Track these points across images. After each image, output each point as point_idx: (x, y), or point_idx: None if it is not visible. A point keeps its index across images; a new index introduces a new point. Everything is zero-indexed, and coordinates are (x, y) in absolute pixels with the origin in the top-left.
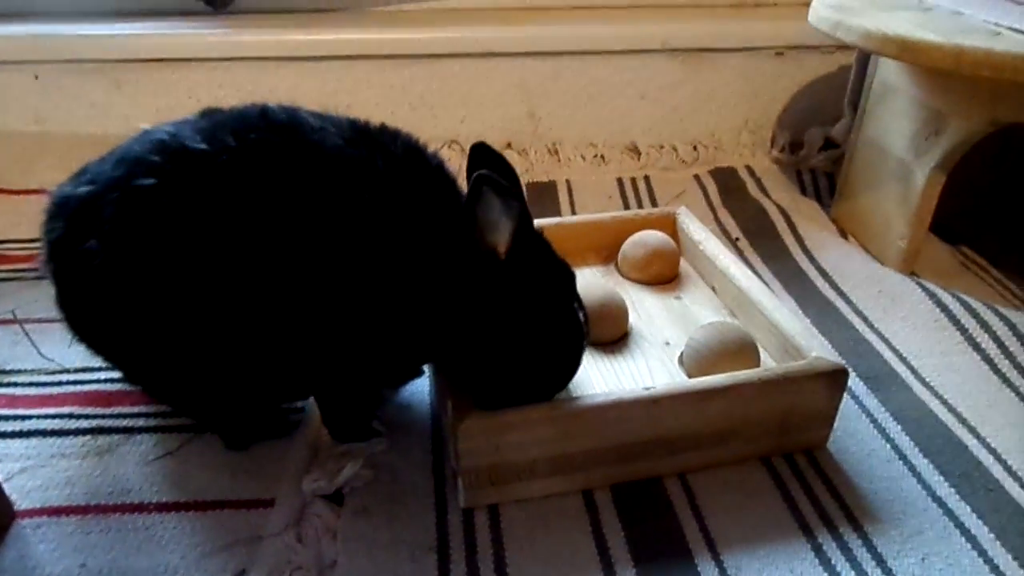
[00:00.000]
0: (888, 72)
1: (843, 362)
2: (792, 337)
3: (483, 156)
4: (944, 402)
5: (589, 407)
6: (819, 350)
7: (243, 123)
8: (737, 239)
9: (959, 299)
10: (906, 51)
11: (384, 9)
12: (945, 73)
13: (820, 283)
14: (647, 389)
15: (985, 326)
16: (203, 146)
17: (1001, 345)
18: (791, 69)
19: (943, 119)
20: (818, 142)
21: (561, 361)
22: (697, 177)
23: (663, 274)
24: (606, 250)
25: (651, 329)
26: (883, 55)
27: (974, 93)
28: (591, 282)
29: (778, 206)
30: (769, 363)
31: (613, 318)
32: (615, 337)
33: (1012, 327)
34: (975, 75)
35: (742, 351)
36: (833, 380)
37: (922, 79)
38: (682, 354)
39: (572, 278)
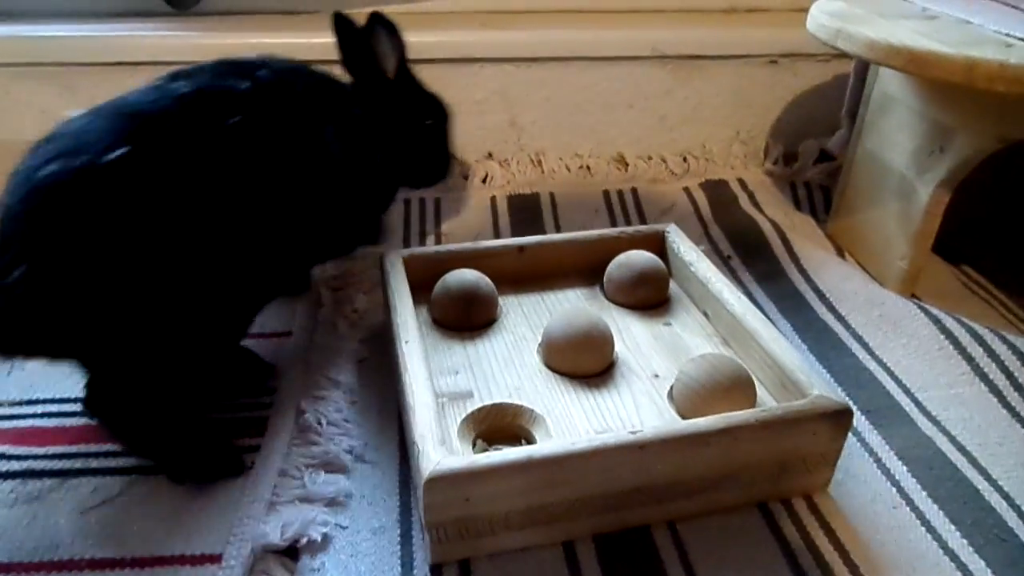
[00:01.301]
0: (889, 83)
1: (847, 400)
2: (791, 372)
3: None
4: (952, 439)
5: (569, 455)
6: (820, 386)
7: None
8: (729, 257)
9: (964, 325)
10: (914, 63)
11: (358, 11)
12: (953, 86)
13: (817, 305)
14: (633, 433)
15: (992, 355)
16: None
17: (1010, 376)
18: (785, 78)
19: (948, 134)
20: (813, 154)
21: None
22: (687, 190)
23: (651, 298)
24: (591, 271)
25: (639, 359)
26: (888, 66)
27: (982, 108)
28: (574, 309)
29: (772, 222)
30: (766, 400)
31: (597, 348)
32: (600, 368)
33: (1020, 354)
34: (987, 89)
35: (737, 387)
36: (836, 421)
37: (927, 91)
38: (672, 388)
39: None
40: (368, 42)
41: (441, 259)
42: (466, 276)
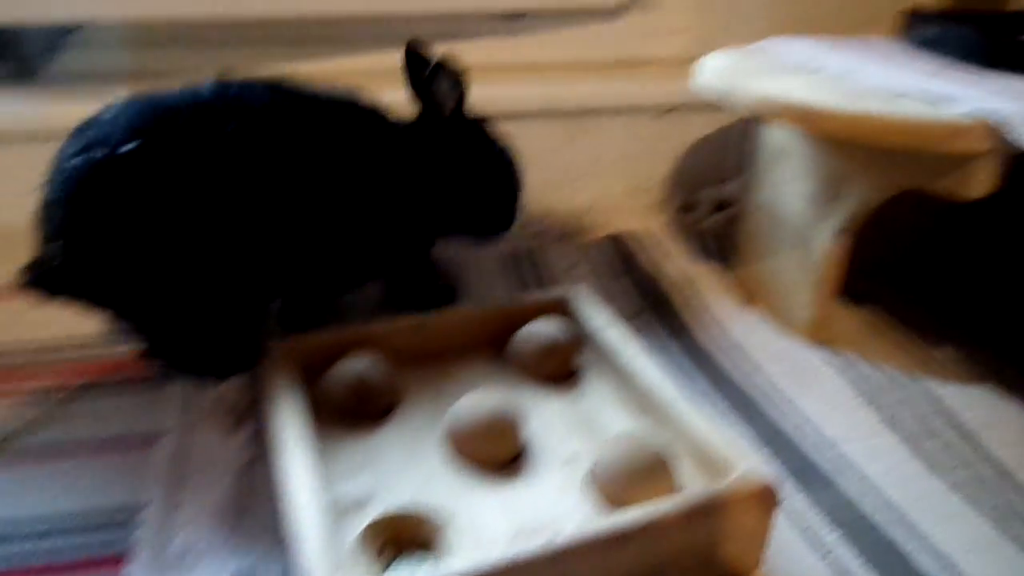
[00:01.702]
0: (778, 134)
1: (773, 478)
2: (713, 446)
3: (417, 51)
4: (876, 497)
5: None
6: (745, 461)
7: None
8: (638, 313)
9: (874, 371)
10: (806, 119)
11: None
12: (843, 139)
13: (730, 359)
14: (546, 544)
15: (904, 401)
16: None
17: (923, 422)
18: (678, 128)
19: (841, 183)
20: (712, 203)
21: (504, 187)
22: (589, 246)
23: (561, 369)
24: (496, 342)
25: (551, 442)
26: (779, 123)
27: (873, 158)
28: (479, 394)
29: (677, 273)
30: (688, 478)
31: (505, 435)
32: (510, 456)
33: (932, 400)
34: (877, 142)
35: (658, 471)
36: (765, 499)
37: (817, 142)
38: (589, 473)
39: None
40: (430, 79)
41: (330, 343)
42: (358, 363)
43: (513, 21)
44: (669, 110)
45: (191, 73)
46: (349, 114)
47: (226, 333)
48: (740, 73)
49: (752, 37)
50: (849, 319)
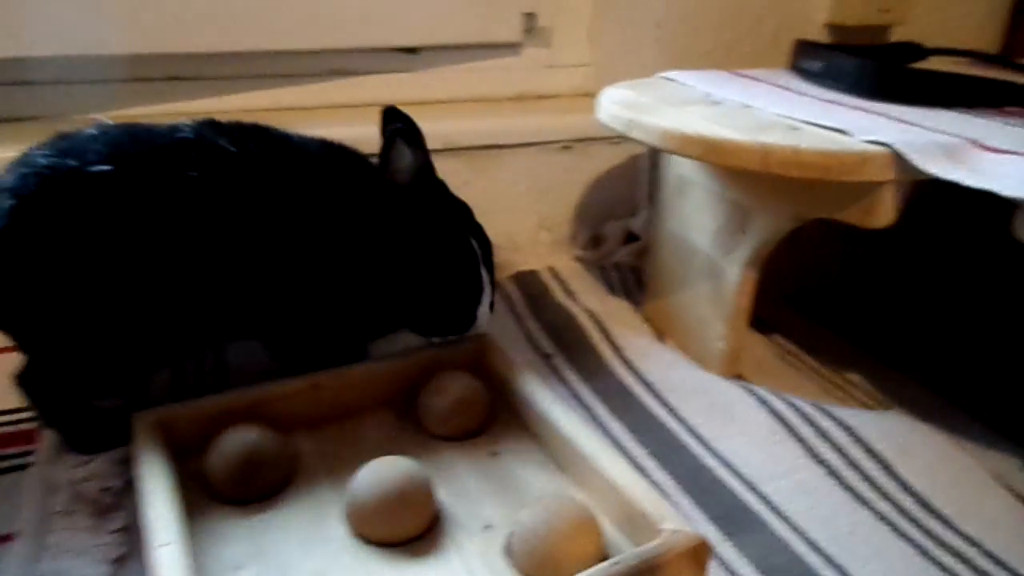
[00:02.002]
0: (683, 165)
1: (701, 534)
2: (637, 502)
3: (395, 116)
4: (804, 537)
5: None
6: (671, 517)
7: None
8: (550, 355)
9: (790, 403)
10: (710, 152)
11: (90, 117)
12: (748, 172)
13: (647, 400)
14: None
15: (822, 433)
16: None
17: (842, 453)
18: (581, 162)
19: (748, 214)
20: (619, 236)
21: (456, 283)
22: (498, 285)
23: (473, 425)
24: (402, 399)
25: (466, 507)
26: (684, 156)
27: (777, 189)
28: (384, 462)
29: (588, 311)
30: (613, 538)
31: (415, 507)
32: (421, 530)
33: (848, 429)
34: (782, 175)
35: (582, 534)
36: (697, 556)
37: (721, 174)
38: (508, 542)
39: (466, 208)
40: (386, 146)
41: (213, 413)
42: (247, 435)
43: (411, 56)
44: (570, 144)
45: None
46: (320, 175)
47: (131, 380)
48: (642, 106)
49: (647, 70)
50: (759, 349)
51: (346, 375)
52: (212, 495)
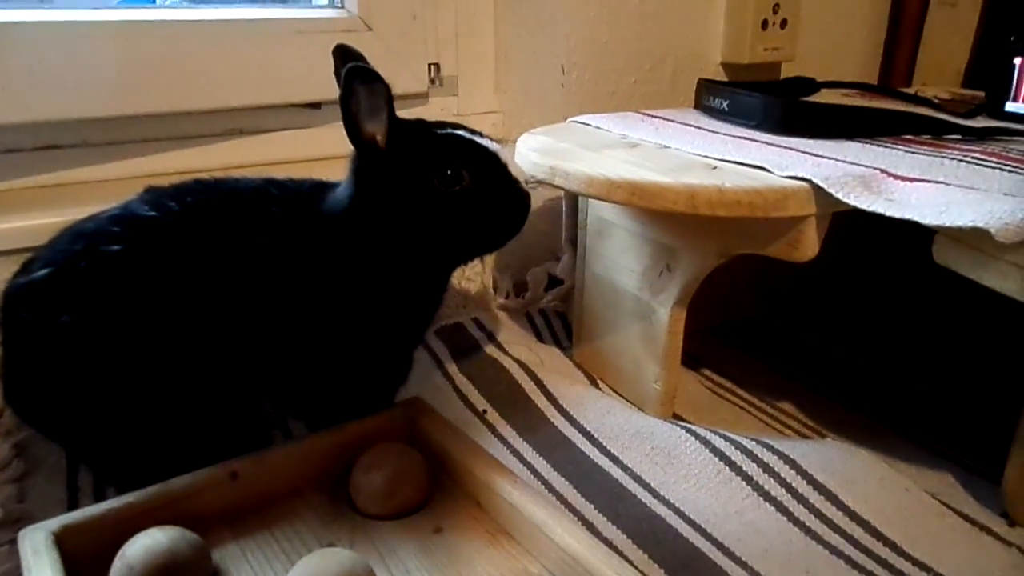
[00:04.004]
0: (602, 208)
1: None
2: (596, 569)
3: (347, 54)
4: None
5: None
6: None
7: (180, 190)
8: (485, 411)
9: (731, 441)
10: (636, 195)
11: None
12: (675, 213)
13: (589, 450)
14: None
15: (766, 468)
16: (152, 212)
17: (788, 488)
18: None
19: (673, 254)
20: (543, 281)
21: (475, 230)
22: (424, 341)
23: (412, 501)
24: (332, 480)
25: None
26: (611, 201)
27: (701, 228)
28: (318, 556)
29: (519, 362)
30: None
31: None
32: None
33: (790, 462)
34: (709, 215)
35: None
36: None
37: (644, 215)
38: None
39: (455, 144)
40: (346, 105)
41: (118, 519)
42: (156, 540)
43: (313, 111)
44: None
45: None
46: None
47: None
48: (561, 152)
49: (556, 115)
50: (691, 385)
51: (266, 459)
52: None
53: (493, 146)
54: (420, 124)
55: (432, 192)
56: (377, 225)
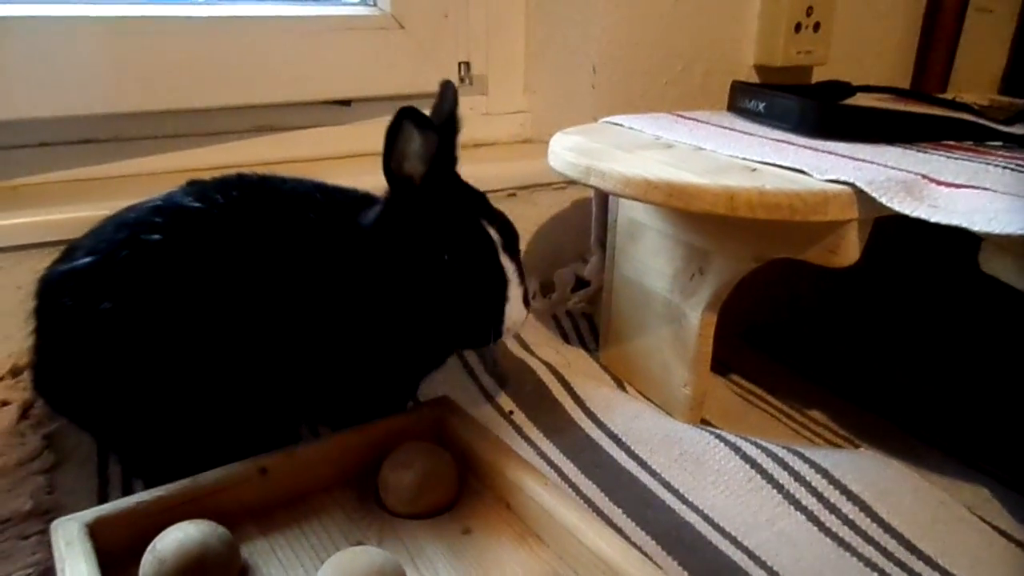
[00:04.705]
0: (634, 209)
1: None
2: (628, 574)
3: (447, 90)
4: None
5: None
6: None
7: (224, 184)
8: (511, 412)
9: (761, 448)
10: (674, 196)
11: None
12: (712, 215)
13: (617, 454)
14: None
15: (797, 476)
16: (196, 204)
17: (820, 497)
18: (526, 209)
19: (706, 258)
20: (569, 282)
21: (479, 285)
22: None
23: (441, 501)
24: (360, 478)
25: None
26: (648, 202)
27: (737, 231)
28: (348, 555)
29: (546, 363)
30: None
31: None
32: None
33: (822, 471)
34: (748, 217)
35: None
36: None
37: (677, 218)
38: None
39: (482, 197)
40: (391, 141)
41: (149, 512)
42: (187, 534)
43: (344, 108)
44: (514, 192)
45: None
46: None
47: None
48: (595, 152)
49: (583, 116)
50: (720, 391)
51: (296, 455)
52: None
53: (496, 237)
54: (453, 182)
55: (433, 264)
56: (393, 258)
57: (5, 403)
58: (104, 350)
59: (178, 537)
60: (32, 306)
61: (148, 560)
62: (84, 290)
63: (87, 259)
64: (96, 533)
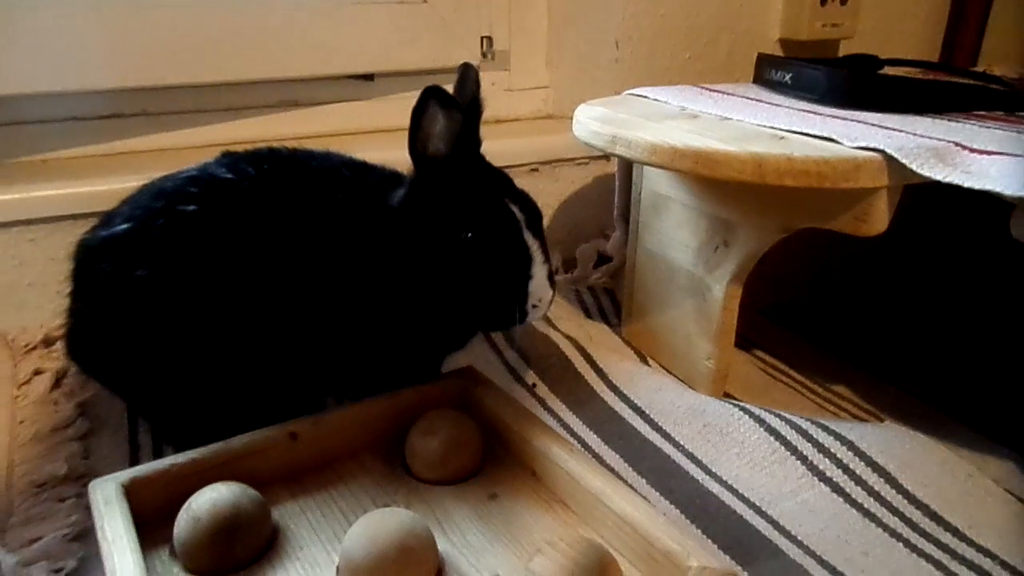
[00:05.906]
0: (658, 182)
1: (734, 566)
2: (657, 538)
3: (468, 71)
4: (820, 560)
5: None
6: (695, 552)
7: (256, 157)
8: (534, 385)
9: (786, 420)
10: (701, 164)
11: (30, 159)
12: (739, 183)
13: (640, 425)
14: None
15: (822, 448)
16: (229, 175)
17: (846, 469)
18: (548, 184)
19: (730, 229)
20: (592, 258)
21: (503, 262)
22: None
23: (468, 467)
24: (388, 444)
25: (470, 558)
26: (675, 170)
27: (764, 201)
28: (378, 516)
29: (568, 337)
30: None
31: (417, 564)
32: None
33: (847, 443)
34: (776, 184)
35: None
36: None
37: (703, 189)
38: None
39: (505, 177)
40: (416, 121)
41: (182, 474)
42: (220, 495)
43: (367, 83)
44: (537, 167)
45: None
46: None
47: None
48: (621, 121)
49: (606, 91)
50: (744, 366)
51: (325, 421)
52: (189, 565)
53: (520, 215)
54: (478, 163)
55: (454, 241)
56: (418, 237)
57: (39, 372)
58: (138, 316)
59: (212, 497)
60: (69, 269)
61: (183, 518)
62: (121, 256)
63: (124, 226)
64: (131, 494)
